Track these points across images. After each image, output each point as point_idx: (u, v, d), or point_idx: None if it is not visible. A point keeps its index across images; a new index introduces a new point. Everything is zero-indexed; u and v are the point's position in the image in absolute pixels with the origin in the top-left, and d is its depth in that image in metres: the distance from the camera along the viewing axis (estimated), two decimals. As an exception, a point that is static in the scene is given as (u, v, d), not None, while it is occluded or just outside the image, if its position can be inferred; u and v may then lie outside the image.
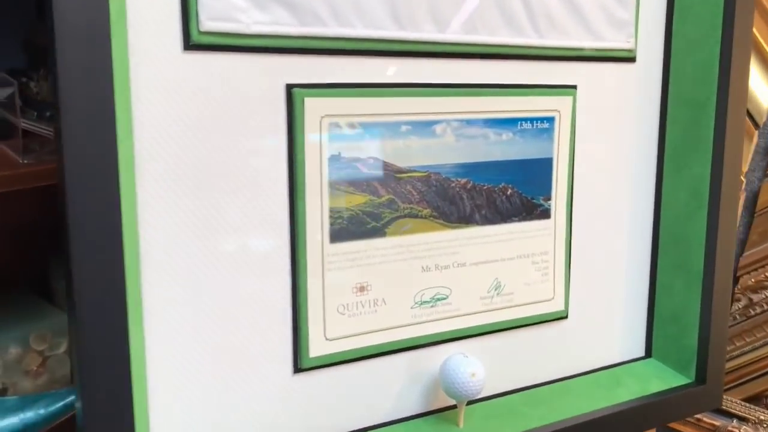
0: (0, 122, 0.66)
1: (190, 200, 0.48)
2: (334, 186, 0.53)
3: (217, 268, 0.50)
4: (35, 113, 0.66)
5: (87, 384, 0.44)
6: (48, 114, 0.66)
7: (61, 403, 0.66)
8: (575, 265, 0.66)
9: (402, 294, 0.58)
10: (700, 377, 0.68)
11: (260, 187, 0.51)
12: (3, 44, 0.76)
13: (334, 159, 0.53)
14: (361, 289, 0.56)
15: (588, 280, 0.67)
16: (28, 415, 0.65)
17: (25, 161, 0.61)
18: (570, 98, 0.63)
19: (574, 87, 0.63)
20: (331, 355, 0.55)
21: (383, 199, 0.56)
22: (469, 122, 0.58)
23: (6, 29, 0.75)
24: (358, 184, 0.54)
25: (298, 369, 0.54)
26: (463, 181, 0.59)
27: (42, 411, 0.66)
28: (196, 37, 0.46)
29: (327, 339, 0.55)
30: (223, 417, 0.52)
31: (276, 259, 0.52)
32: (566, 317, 0.67)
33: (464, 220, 0.59)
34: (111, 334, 0.44)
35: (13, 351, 0.73)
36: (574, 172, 0.65)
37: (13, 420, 0.65)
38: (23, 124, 0.62)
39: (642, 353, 0.73)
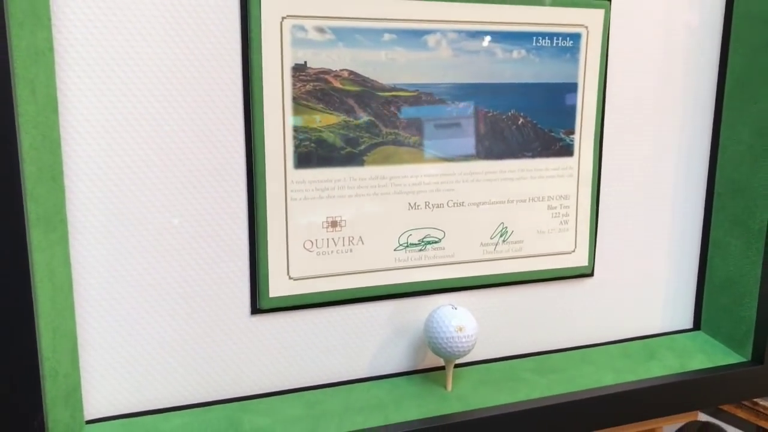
0: None
1: (125, 107, 0.42)
2: (299, 101, 0.46)
3: (160, 188, 0.44)
4: None
5: None
6: None
7: None
8: (605, 215, 0.56)
9: (383, 233, 0.50)
10: (757, 356, 0.57)
11: (211, 100, 0.44)
12: None
13: (299, 68, 0.46)
14: (333, 224, 0.49)
15: (621, 233, 0.57)
16: None
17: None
18: (602, 11, 0.52)
19: (609, -2, 0.53)
20: (295, 296, 0.48)
21: (361, 121, 0.48)
22: (471, 34, 0.49)
23: None
24: (329, 101, 0.47)
25: (256, 309, 0.48)
26: (462, 104, 0.50)
27: None
28: None
29: (291, 278, 0.48)
30: (170, 360, 0.46)
31: (231, 184, 0.46)
32: (591, 274, 0.57)
33: (463, 151, 0.51)
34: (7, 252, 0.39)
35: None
36: (606, 101, 0.54)
37: None
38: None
39: (689, 325, 0.62)
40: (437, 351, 0.49)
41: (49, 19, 0.39)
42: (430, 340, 0.49)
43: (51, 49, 0.40)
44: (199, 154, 0.45)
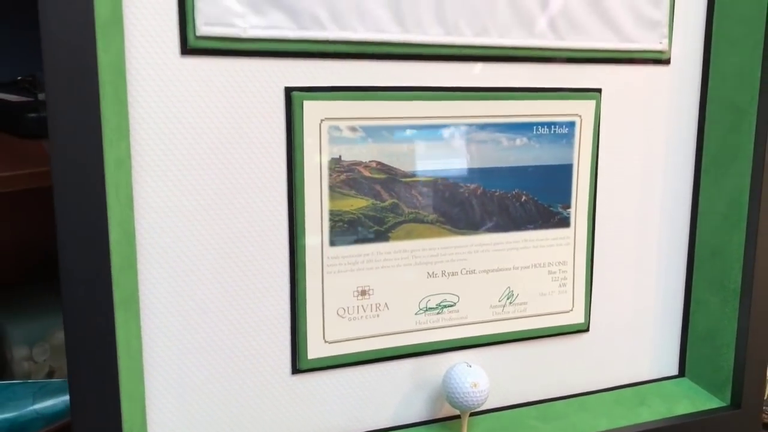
0: (41, 121, 0.70)
1: (189, 202, 0.50)
2: (334, 189, 0.53)
3: (216, 267, 0.51)
4: None
5: (76, 379, 0.45)
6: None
7: None
8: (598, 277, 0.63)
9: (406, 299, 0.57)
10: (736, 401, 0.64)
11: (260, 189, 0.51)
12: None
13: (335, 162, 0.53)
14: (363, 293, 0.56)
15: (613, 293, 0.64)
16: None
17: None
18: (593, 102, 0.60)
19: (598, 90, 0.60)
20: (330, 357, 0.55)
21: (387, 203, 0.55)
22: (480, 127, 0.57)
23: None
24: (359, 188, 0.54)
25: (296, 370, 0.55)
26: (473, 186, 0.58)
27: None
28: (192, 42, 0.48)
29: (326, 342, 0.55)
30: (221, 415, 0.53)
31: (275, 260, 0.53)
32: (587, 330, 0.64)
33: (473, 226, 0.58)
34: (99, 331, 0.45)
35: (60, 335, 0.77)
36: (598, 179, 0.62)
37: (57, 402, 0.67)
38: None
39: (675, 371, 0.69)
40: (454, 404, 0.56)
41: (129, 132, 0.47)
42: (448, 395, 0.56)
43: (129, 157, 0.47)
44: (250, 237, 0.52)
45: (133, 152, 0.47)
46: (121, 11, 0.45)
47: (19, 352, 0.75)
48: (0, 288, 0.80)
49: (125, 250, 0.46)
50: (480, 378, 0.55)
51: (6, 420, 0.65)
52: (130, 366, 0.47)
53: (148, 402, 0.51)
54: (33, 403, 0.66)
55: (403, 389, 0.58)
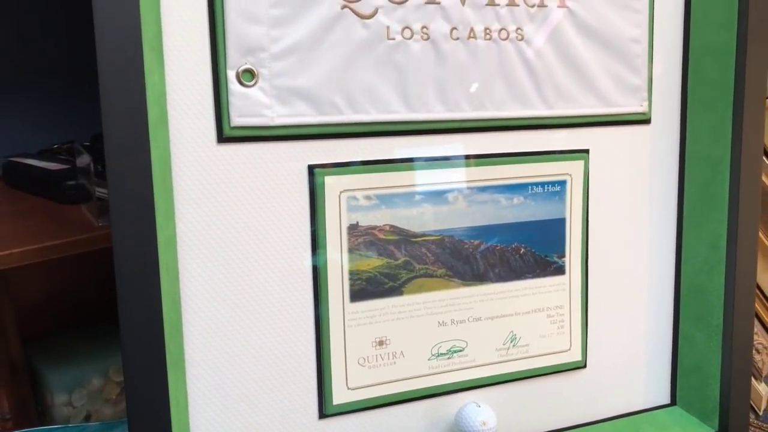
0: (81, 188, 0.77)
1: (226, 269, 0.56)
2: (353, 251, 0.60)
3: (249, 326, 0.57)
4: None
5: (135, 423, 0.52)
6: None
7: None
8: (593, 318, 0.70)
9: (419, 347, 0.63)
10: (723, 428, 0.70)
11: (287, 255, 0.58)
12: (89, 113, 0.87)
13: (353, 228, 0.60)
14: (381, 342, 0.62)
15: (607, 331, 0.71)
16: None
17: (100, 224, 0.71)
18: (582, 162, 0.67)
19: (586, 151, 0.67)
20: (352, 402, 0.61)
21: (399, 261, 0.62)
22: (480, 189, 0.63)
23: (94, 96, 0.86)
24: (375, 248, 0.61)
25: (323, 415, 0.61)
26: (476, 242, 0.64)
27: None
28: (227, 132, 0.54)
29: (349, 388, 0.61)
30: (256, 456, 0.59)
31: (302, 317, 0.59)
32: (584, 366, 0.70)
33: (478, 278, 0.65)
34: (154, 386, 0.51)
35: (96, 382, 0.84)
36: (589, 230, 0.68)
37: None
38: (98, 192, 0.72)
39: (667, 400, 0.75)
40: (466, 441, 0.62)
41: (174, 215, 0.53)
42: (460, 432, 0.62)
43: (175, 236, 0.53)
44: (280, 297, 0.58)
45: (177, 231, 0.54)
46: (166, 110, 0.52)
47: (59, 398, 0.82)
48: (41, 337, 0.86)
49: (173, 317, 0.53)
50: (488, 416, 0.62)
51: None
52: (179, 420, 0.54)
53: (193, 449, 0.57)
54: None
55: (419, 429, 0.64)
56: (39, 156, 0.82)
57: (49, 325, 0.87)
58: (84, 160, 0.75)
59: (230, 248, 0.56)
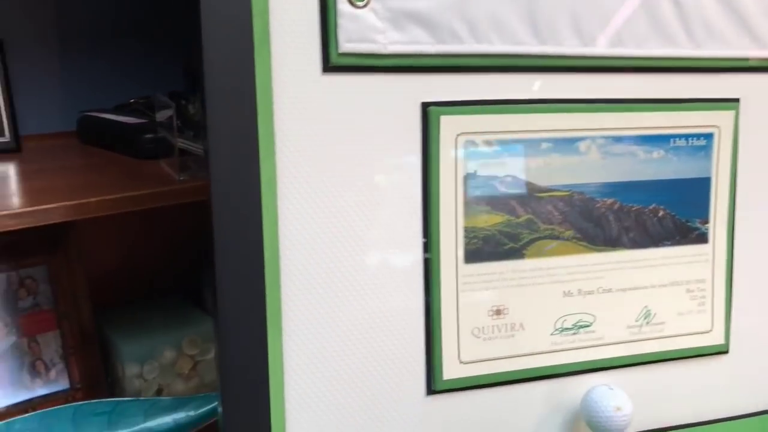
0: (160, 141, 0.71)
1: (326, 218, 0.49)
2: (470, 205, 0.52)
3: (352, 285, 0.50)
4: (192, 133, 0.70)
5: (228, 391, 0.46)
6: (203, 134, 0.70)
7: (209, 407, 0.68)
8: (738, 295, 0.60)
9: (541, 319, 0.55)
10: None
11: (394, 206, 0.50)
12: (165, 69, 0.82)
13: (470, 177, 0.52)
14: (498, 312, 0.54)
15: (755, 312, 0.61)
16: (180, 415, 0.67)
17: (182, 178, 0.65)
18: (732, 113, 0.57)
19: (737, 100, 0.57)
20: (465, 378, 0.53)
21: (522, 219, 0.54)
22: (616, 139, 0.55)
23: (169, 55, 0.81)
24: (495, 203, 0.53)
25: (431, 391, 0.53)
26: (610, 201, 0.55)
27: (192, 413, 0.68)
28: (334, 59, 0.47)
29: (461, 362, 0.53)
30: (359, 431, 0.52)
31: (409, 278, 0.52)
32: (727, 352, 0.60)
33: (610, 243, 0.56)
34: (252, 346, 0.46)
35: (168, 355, 0.78)
36: (737, 193, 0.59)
37: (167, 419, 0.67)
38: (180, 143, 0.66)
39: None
40: (595, 428, 0.54)
41: (275, 151, 0.46)
42: (589, 419, 0.54)
43: (275, 176, 0.46)
44: (385, 254, 0.51)
45: (278, 171, 0.47)
46: (268, 31, 0.45)
47: (130, 370, 0.77)
48: (113, 307, 0.81)
49: (273, 269, 0.46)
50: (623, 401, 0.53)
51: None
52: (275, 383, 0.47)
53: (287, 425, 0.50)
54: (145, 421, 0.66)
55: (537, 412, 0.56)
56: (115, 111, 0.77)
57: (121, 296, 0.83)
58: (165, 112, 0.69)
59: (330, 194, 0.49)
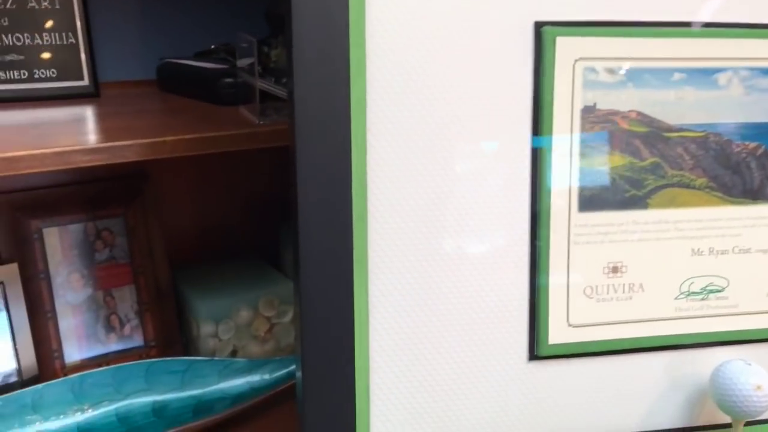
0: (240, 87, 0.67)
1: (419, 160, 0.43)
2: (586, 143, 0.45)
3: (446, 230, 0.44)
4: (273, 79, 0.66)
5: (309, 355, 0.41)
6: (284, 80, 0.66)
7: (285, 371, 0.66)
8: None
9: (665, 280, 0.47)
10: None
11: (498, 137, 0.44)
12: (247, 15, 0.78)
13: (588, 110, 0.45)
14: (615, 269, 0.47)
15: None
16: (255, 378, 0.65)
17: (261, 122, 0.61)
18: None
19: None
20: (574, 344, 0.47)
21: (646, 162, 0.46)
22: (763, 72, 0.46)
23: (251, 1, 0.77)
24: (616, 143, 0.45)
25: (534, 356, 0.47)
26: (752, 145, 0.47)
27: (267, 376, 0.65)
28: (436, -31, 0.41)
29: (570, 325, 0.47)
30: (449, 401, 0.46)
31: (513, 225, 0.45)
32: None
33: (751, 194, 0.48)
34: (335, 308, 0.41)
35: (244, 314, 0.75)
36: None
37: (241, 381, 0.64)
38: (260, 85, 0.62)
39: None
40: (729, 409, 0.46)
41: (365, 70, 0.41)
42: (721, 398, 0.46)
43: (365, 97, 0.41)
44: (485, 194, 0.44)
45: (368, 94, 0.41)
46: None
47: (205, 329, 0.74)
48: (189, 264, 0.78)
49: (360, 205, 0.40)
50: (764, 379, 0.45)
51: (192, 397, 0.63)
52: (361, 350, 0.41)
53: (372, 388, 0.44)
54: (218, 382, 0.63)
55: (656, 388, 0.49)
56: (195, 57, 0.74)
57: (198, 253, 0.80)
58: (246, 60, 0.65)
59: (422, 123, 0.43)
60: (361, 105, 0.41)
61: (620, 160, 0.46)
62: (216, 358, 0.69)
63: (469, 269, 0.45)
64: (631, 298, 0.47)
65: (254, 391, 0.65)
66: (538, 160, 0.44)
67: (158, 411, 0.60)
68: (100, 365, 0.68)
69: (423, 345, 0.45)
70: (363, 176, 0.42)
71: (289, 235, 0.77)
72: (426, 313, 0.45)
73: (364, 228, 0.41)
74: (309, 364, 0.42)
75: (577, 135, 0.45)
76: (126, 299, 0.74)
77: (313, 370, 0.42)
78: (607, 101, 0.45)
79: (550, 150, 0.44)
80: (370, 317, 0.43)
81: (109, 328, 0.73)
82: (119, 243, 0.73)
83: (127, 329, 0.74)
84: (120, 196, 0.73)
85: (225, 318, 0.74)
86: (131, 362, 0.63)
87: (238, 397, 0.64)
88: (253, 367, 0.66)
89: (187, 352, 0.75)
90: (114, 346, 0.73)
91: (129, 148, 0.53)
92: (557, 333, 0.46)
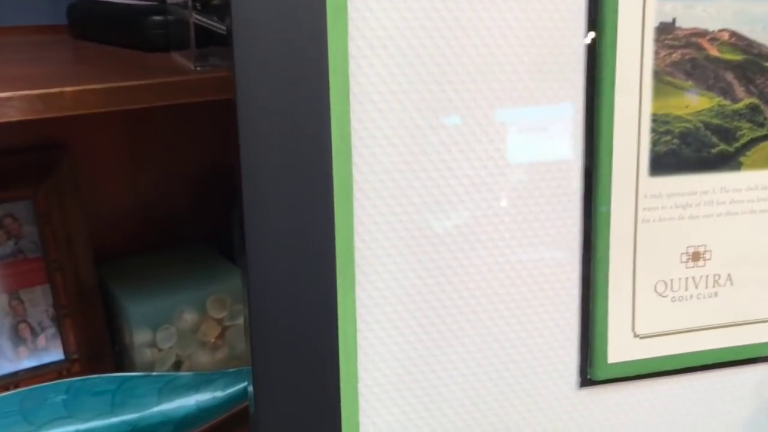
0: (172, 27, 0.54)
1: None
2: (661, 76, 0.32)
3: (461, 198, 0.31)
4: (214, 17, 0.52)
5: (262, 366, 0.28)
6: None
7: (242, 386, 0.56)
8: None
9: (762, 270, 0.35)
10: None
11: (543, 70, 0.30)
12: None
13: (665, 30, 0.31)
14: (696, 256, 0.34)
15: None
16: (204, 396, 0.55)
17: (198, 68, 0.48)
18: None
19: None
20: (642, 361, 0.34)
21: (741, 104, 0.33)
22: None
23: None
24: (701, 76, 0.32)
25: (587, 381, 0.33)
26: None
27: (219, 393, 0.56)
28: None
29: (636, 335, 0.34)
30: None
31: (557, 194, 0.32)
32: None
33: None
34: (303, 303, 0.28)
35: (189, 317, 0.65)
36: None
37: (188, 401, 0.55)
38: (196, 19, 0.48)
39: None
40: None
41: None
42: None
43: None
44: (519, 152, 0.31)
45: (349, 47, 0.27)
46: None
47: (140, 337, 0.63)
48: (117, 258, 0.68)
49: (343, 171, 0.26)
50: None
51: (126, 423, 0.53)
52: (347, 363, 0.28)
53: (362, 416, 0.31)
54: (158, 403, 0.54)
55: (747, 411, 0.36)
56: (115, -6, 0.61)
57: (130, 244, 0.70)
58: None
59: (433, 59, 0.29)
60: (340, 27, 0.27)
61: (707, 101, 0.33)
62: (155, 373, 0.60)
63: (486, 260, 0.31)
64: (716, 294, 0.34)
65: (204, 412, 0.55)
66: (597, 101, 0.31)
67: (82, 445, 0.50)
68: (7, 388, 0.59)
69: (430, 363, 0.32)
70: (346, 133, 0.28)
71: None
72: (429, 314, 0.31)
73: (348, 203, 0.27)
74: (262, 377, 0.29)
75: (648, 64, 0.31)
76: (39, 303, 0.63)
77: (269, 386, 0.29)
78: (690, 17, 0.32)
79: (611, 87, 0.31)
80: (358, 320, 0.30)
81: (18, 339, 0.63)
82: (28, 233, 0.63)
83: (41, 340, 0.63)
84: (27, 174, 0.62)
85: (165, 323, 0.64)
86: (47, 383, 0.54)
87: (184, 420, 0.55)
88: (201, 382, 0.56)
89: (118, 367, 0.66)
90: (25, 362, 0.63)
91: (8, 103, 0.39)
92: (620, 347, 0.33)
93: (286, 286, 0.28)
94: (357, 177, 0.29)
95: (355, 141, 0.28)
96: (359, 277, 0.29)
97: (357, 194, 0.29)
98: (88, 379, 0.54)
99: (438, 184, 0.30)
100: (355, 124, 0.28)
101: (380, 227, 0.30)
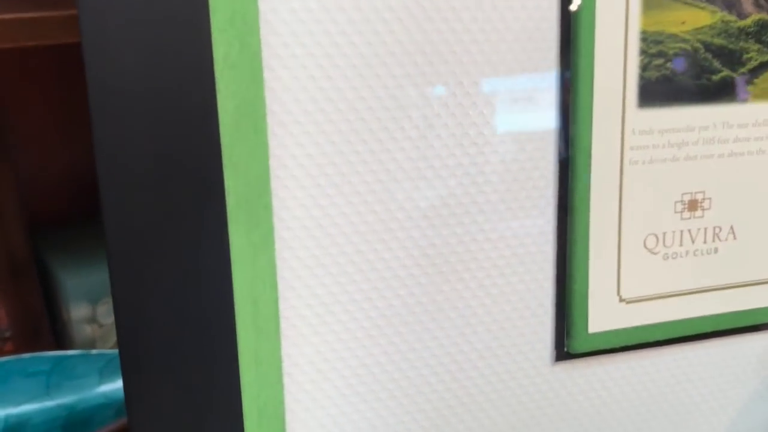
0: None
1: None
2: (653, -13, 0.26)
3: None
4: None
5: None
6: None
7: None
8: None
9: (768, 219, 0.30)
10: None
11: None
12: None
13: (660, -75, 0.26)
14: (693, 205, 0.29)
15: None
16: None
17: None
18: None
19: None
20: (628, 330, 0.29)
21: (749, 20, 0.28)
22: None
23: None
24: (700, -14, 0.27)
25: (563, 354, 0.28)
26: None
27: None
28: None
29: (622, 300, 0.28)
30: (423, 419, 0.28)
31: (533, 137, 0.26)
32: None
33: None
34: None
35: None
36: None
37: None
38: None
39: None
40: None
41: None
42: None
43: None
44: (486, 84, 0.25)
45: None
46: None
47: (78, 311, 0.60)
48: (53, 226, 0.64)
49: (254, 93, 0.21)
50: None
51: (64, 407, 0.49)
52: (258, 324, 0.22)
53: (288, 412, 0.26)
54: (99, 384, 0.50)
55: (750, 386, 0.31)
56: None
57: (67, 213, 0.67)
58: None
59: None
60: None
61: (707, 17, 0.27)
62: (94, 351, 0.55)
63: (450, 219, 0.26)
64: (716, 250, 0.29)
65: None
66: (575, 22, 0.25)
67: (13, 430, 0.47)
68: (-72, 369, 0.54)
69: (381, 344, 0.27)
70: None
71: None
72: (380, 288, 0.26)
73: (262, 126, 0.22)
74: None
75: (638, -31, 0.26)
76: (-35, 277, 0.58)
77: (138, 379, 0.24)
78: None
79: (591, 3, 0.25)
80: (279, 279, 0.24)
81: (-58, 316, 0.58)
82: (-50, 199, 0.57)
83: (-32, 317, 0.59)
84: (-54, 133, 0.57)
85: (106, 296, 0.60)
86: (-28, 363, 0.48)
87: (128, 403, 0.50)
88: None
89: (59, 346, 0.62)
90: (-50, 340, 0.58)
91: None
92: (603, 314, 0.28)
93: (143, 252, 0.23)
94: (269, 93, 0.23)
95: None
96: (277, 214, 0.24)
97: (271, 121, 0.23)
98: (19, 359, 0.49)
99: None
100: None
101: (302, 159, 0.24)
